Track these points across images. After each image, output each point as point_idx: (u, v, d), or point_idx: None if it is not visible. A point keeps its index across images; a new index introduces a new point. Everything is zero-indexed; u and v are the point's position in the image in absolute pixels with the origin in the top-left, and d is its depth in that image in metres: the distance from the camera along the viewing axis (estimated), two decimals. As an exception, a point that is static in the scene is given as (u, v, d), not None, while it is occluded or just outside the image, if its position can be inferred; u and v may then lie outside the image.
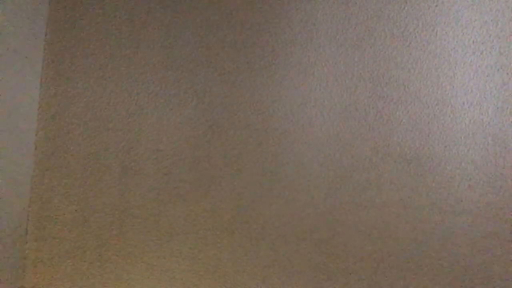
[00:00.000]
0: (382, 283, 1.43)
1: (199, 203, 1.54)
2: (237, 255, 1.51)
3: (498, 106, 1.41)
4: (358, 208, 1.46)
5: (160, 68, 1.59)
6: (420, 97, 1.45)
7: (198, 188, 1.54)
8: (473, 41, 1.44)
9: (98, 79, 1.61)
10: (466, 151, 1.41)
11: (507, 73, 1.41)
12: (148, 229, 1.56)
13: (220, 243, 1.52)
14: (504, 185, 1.39)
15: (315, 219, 1.48)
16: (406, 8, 1.48)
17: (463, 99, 1.43)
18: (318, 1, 1.53)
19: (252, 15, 1.56)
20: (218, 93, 1.56)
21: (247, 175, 1.52)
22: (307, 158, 1.50)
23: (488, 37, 1.43)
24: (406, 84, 1.46)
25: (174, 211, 1.55)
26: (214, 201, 1.53)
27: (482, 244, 1.39)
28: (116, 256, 1.57)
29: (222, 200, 1.53)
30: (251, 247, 1.51)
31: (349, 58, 1.50)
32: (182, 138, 1.56)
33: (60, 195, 1.60)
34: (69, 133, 1.60)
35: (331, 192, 1.47)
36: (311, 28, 1.52)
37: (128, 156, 1.58)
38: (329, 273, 1.46)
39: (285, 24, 1.54)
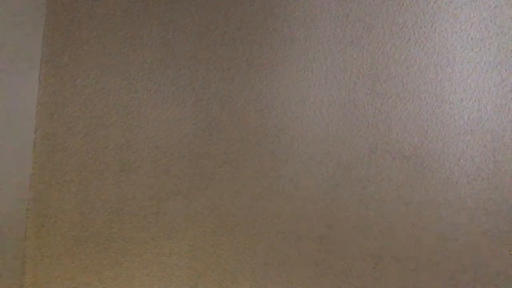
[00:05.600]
0: (381, 279, 1.43)
1: (198, 200, 1.54)
2: (236, 252, 1.51)
3: (497, 102, 1.41)
4: (357, 204, 1.46)
5: (159, 66, 1.59)
6: (419, 94, 1.45)
7: (197, 185, 1.54)
8: (471, 38, 1.44)
9: (96, 76, 1.60)
10: (465, 147, 1.41)
11: (506, 70, 1.41)
12: (147, 227, 1.56)
13: (219, 240, 1.52)
14: (502, 181, 1.39)
15: (314, 216, 1.48)
16: (404, 4, 1.48)
17: (462, 95, 1.43)
18: (317, -2, 1.53)
19: (251, 12, 1.55)
20: (217, 90, 1.56)
21: (246, 172, 1.52)
22: (305, 155, 1.50)
23: (487, 33, 1.43)
24: (405, 80, 1.46)
25: (173, 208, 1.55)
26: (213, 198, 1.53)
27: (481, 241, 1.39)
28: (116, 253, 1.57)
29: (221, 197, 1.53)
30: (250, 244, 1.51)
31: (347, 54, 1.50)
32: (181, 135, 1.56)
33: (59, 193, 1.59)
34: (68, 131, 1.60)
35: (330, 189, 1.47)
36: (309, 25, 1.52)
37: (127, 153, 1.58)
38: (328, 269, 1.46)
39: (284, 21, 1.54)
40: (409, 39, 1.47)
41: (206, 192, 1.54)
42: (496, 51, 1.42)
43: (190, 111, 1.56)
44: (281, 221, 1.50)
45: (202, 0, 1.58)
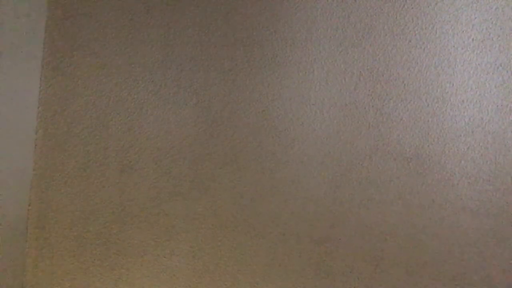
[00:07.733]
0: (381, 281, 1.43)
1: (199, 202, 1.54)
2: (237, 253, 1.51)
3: (498, 104, 1.41)
4: (357, 206, 1.46)
5: (160, 67, 1.59)
6: (419, 95, 1.45)
7: (198, 186, 1.54)
8: (472, 39, 1.44)
9: (98, 77, 1.61)
10: (465, 149, 1.41)
11: (507, 71, 1.41)
12: (148, 228, 1.56)
13: (220, 241, 1.52)
14: (504, 183, 1.38)
15: (315, 217, 1.48)
16: (405, 6, 1.48)
17: (463, 97, 1.43)
18: (318, -1, 1.53)
19: (252, 13, 1.56)
20: (218, 92, 1.56)
21: (246, 174, 1.52)
22: (306, 156, 1.50)
23: (487, 35, 1.43)
24: (406, 82, 1.46)
25: (174, 209, 1.55)
26: (214, 199, 1.53)
27: (481, 242, 1.39)
28: (116, 255, 1.57)
29: (222, 199, 1.53)
30: (251, 245, 1.51)
31: (348, 56, 1.50)
32: (182, 137, 1.56)
33: (60, 194, 1.60)
34: (69, 132, 1.61)
35: (330, 190, 1.47)
36: (310, 26, 1.52)
37: (127, 154, 1.58)
38: (329, 271, 1.46)
39: (285, 22, 1.54)
40: (410, 41, 1.47)
41: (207, 193, 1.54)
42: (497, 53, 1.42)
43: (191, 112, 1.56)
44: (281, 223, 1.50)
45: (203, 1, 1.58)
